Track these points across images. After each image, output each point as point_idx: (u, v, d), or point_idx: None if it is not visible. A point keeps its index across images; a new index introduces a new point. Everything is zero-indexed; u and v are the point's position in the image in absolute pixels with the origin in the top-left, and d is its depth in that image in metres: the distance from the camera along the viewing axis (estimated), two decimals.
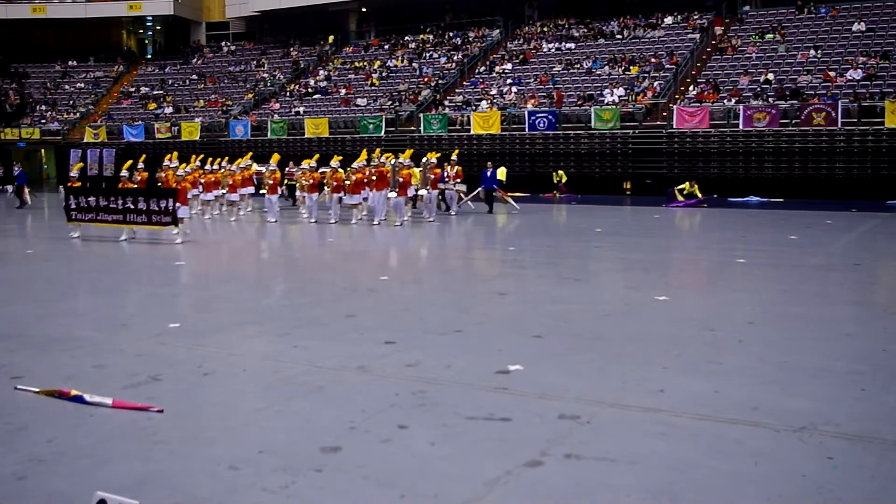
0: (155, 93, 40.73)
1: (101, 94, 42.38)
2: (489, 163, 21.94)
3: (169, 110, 38.24)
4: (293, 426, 5.01)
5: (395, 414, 5.20)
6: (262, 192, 20.71)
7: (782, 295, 9.30)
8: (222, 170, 21.61)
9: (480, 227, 18.24)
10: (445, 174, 19.99)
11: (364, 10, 41.03)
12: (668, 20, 31.74)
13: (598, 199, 24.09)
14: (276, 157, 20.99)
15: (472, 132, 28.44)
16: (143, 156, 23.79)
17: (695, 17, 31.38)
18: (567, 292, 9.70)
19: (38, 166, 41.44)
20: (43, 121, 39.68)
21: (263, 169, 20.99)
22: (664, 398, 5.45)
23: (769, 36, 28.55)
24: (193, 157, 23.10)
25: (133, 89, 42.12)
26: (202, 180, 21.02)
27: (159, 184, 20.89)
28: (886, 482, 4.10)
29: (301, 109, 33.99)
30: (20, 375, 6.15)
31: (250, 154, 23.55)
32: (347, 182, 18.71)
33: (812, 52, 26.65)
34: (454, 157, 20.76)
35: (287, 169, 22.49)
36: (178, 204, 14.91)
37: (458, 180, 20.44)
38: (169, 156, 22.33)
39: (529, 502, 3.94)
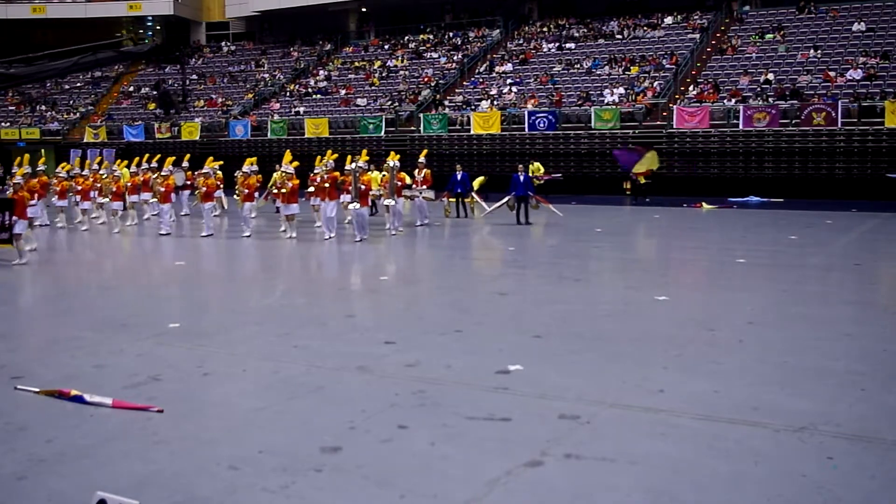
0: (155, 93, 40.67)
1: (101, 94, 42.34)
2: (520, 165, 18.45)
3: None
4: (293, 426, 5.01)
5: (395, 414, 5.19)
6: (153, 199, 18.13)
7: (782, 295, 9.30)
8: (108, 175, 18.70)
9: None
10: (414, 179, 17.74)
11: (364, 10, 40.98)
12: (668, 20, 31.73)
13: (598, 199, 24.07)
14: (287, 157, 17.38)
15: (472, 132, 28.43)
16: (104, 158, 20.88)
17: (695, 17, 31.36)
18: (567, 292, 9.69)
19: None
20: (42, 121, 39.66)
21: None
22: (664, 398, 5.45)
23: (769, 36, 28.53)
24: (78, 159, 20.13)
25: (133, 89, 42.08)
26: (78, 186, 18.53)
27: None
28: (886, 482, 4.10)
29: (301, 109, 33.96)
30: (20, 375, 6.15)
31: (165, 158, 19.85)
32: (283, 190, 16.09)
33: (812, 52, 26.64)
34: (422, 158, 18.18)
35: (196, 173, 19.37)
36: (15, 217, 12.36)
37: (425, 186, 17.69)
38: (19, 158, 18.94)
39: (529, 502, 3.93)
